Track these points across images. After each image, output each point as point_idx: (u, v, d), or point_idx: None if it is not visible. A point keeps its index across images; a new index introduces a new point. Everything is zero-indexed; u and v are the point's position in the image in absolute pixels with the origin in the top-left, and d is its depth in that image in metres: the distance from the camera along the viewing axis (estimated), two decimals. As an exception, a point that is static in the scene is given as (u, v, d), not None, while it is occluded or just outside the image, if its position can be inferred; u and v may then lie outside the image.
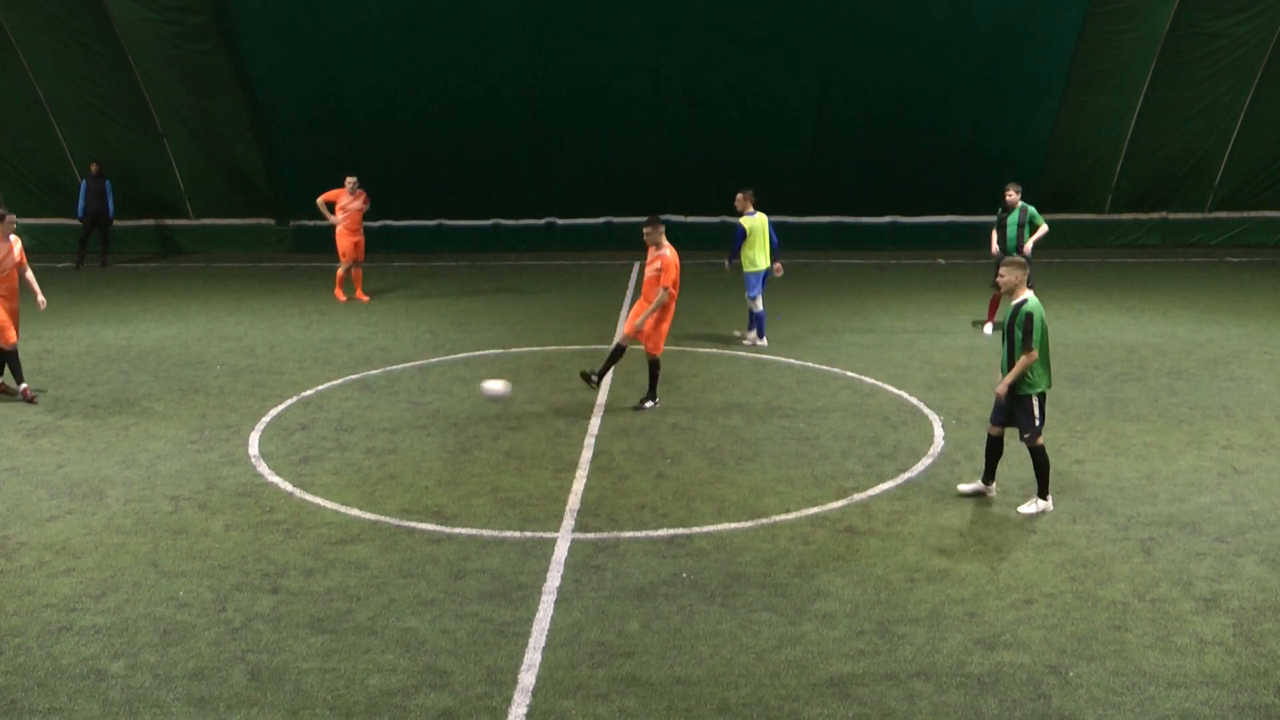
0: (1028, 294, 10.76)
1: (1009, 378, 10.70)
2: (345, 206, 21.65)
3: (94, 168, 26.02)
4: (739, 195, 18.05)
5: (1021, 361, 10.61)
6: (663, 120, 26.55)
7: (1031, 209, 18.47)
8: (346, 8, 25.07)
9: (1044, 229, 18.50)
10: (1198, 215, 27.66)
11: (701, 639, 8.43)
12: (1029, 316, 10.58)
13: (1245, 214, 27.63)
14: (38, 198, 27.77)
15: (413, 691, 7.72)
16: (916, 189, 27.02)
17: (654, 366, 14.47)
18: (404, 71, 25.74)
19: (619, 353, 14.51)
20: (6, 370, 15.09)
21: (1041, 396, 10.82)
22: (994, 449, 11.16)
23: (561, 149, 26.90)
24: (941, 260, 25.67)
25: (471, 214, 27.87)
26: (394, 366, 16.62)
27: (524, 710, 7.49)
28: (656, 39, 25.44)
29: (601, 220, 27.54)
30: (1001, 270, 10.99)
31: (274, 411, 14.39)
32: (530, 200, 27.63)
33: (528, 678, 7.88)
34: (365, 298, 21.95)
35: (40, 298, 15.34)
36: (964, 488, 11.37)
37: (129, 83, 25.88)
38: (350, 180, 21.75)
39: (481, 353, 17.49)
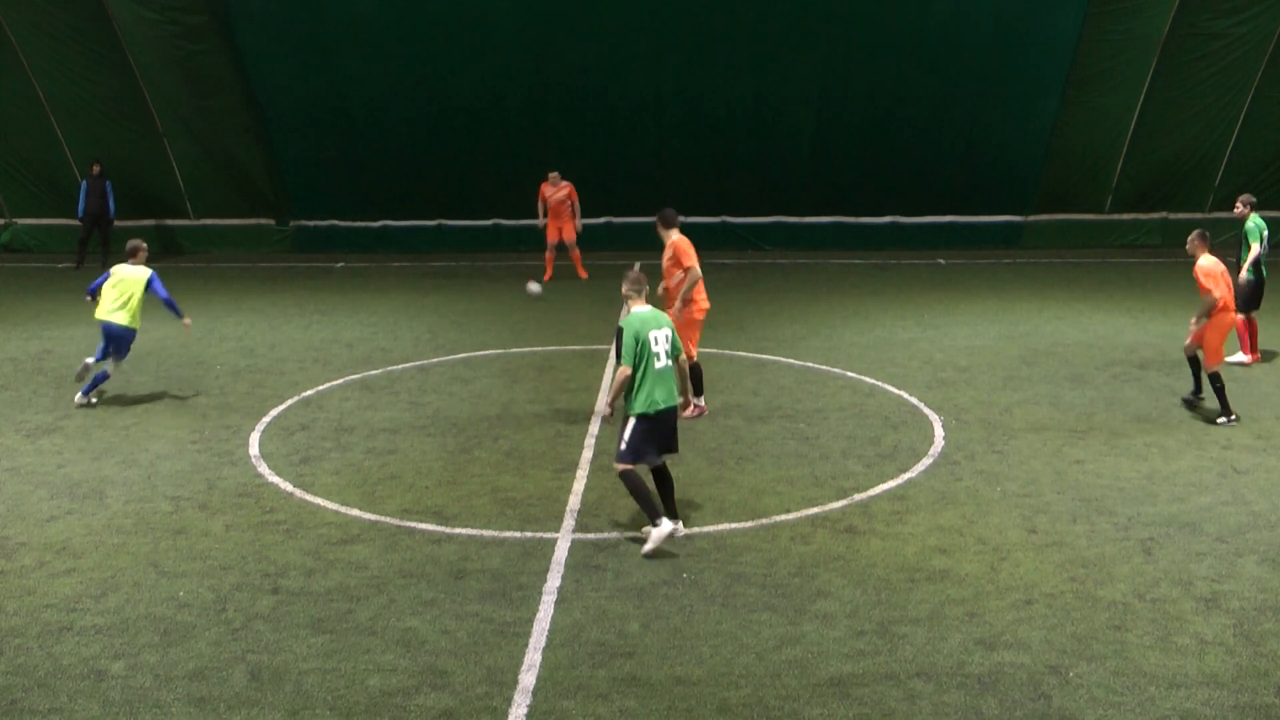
0: (633, 309, 10.23)
1: (609, 395, 10.01)
2: (548, 197, 23.67)
3: (95, 168, 26.00)
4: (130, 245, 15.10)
5: (616, 376, 10.07)
6: (663, 120, 26.52)
7: (1249, 223, 16.63)
8: (346, 8, 25.03)
9: (1255, 249, 16.42)
10: (1198, 215, 27.63)
11: (702, 639, 8.43)
12: (619, 331, 10.05)
13: (1244, 214, 27.59)
14: (38, 198, 27.74)
15: (413, 691, 7.72)
16: (916, 189, 27.00)
17: None
18: (404, 71, 25.71)
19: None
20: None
21: (640, 419, 9.99)
22: (658, 479, 10.27)
23: (562, 149, 26.86)
24: (941, 260, 25.65)
25: (472, 214, 27.85)
26: (394, 367, 16.62)
27: (524, 710, 7.50)
28: (657, 39, 25.41)
29: (602, 220, 27.53)
30: (625, 287, 10.38)
31: (274, 412, 14.39)
32: (530, 200, 27.59)
33: (528, 678, 7.89)
34: (584, 274, 23.94)
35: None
36: (648, 549, 9.94)
37: (129, 83, 25.85)
38: (552, 175, 23.75)
39: (482, 353, 17.49)
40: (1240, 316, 16.03)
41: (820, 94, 25.92)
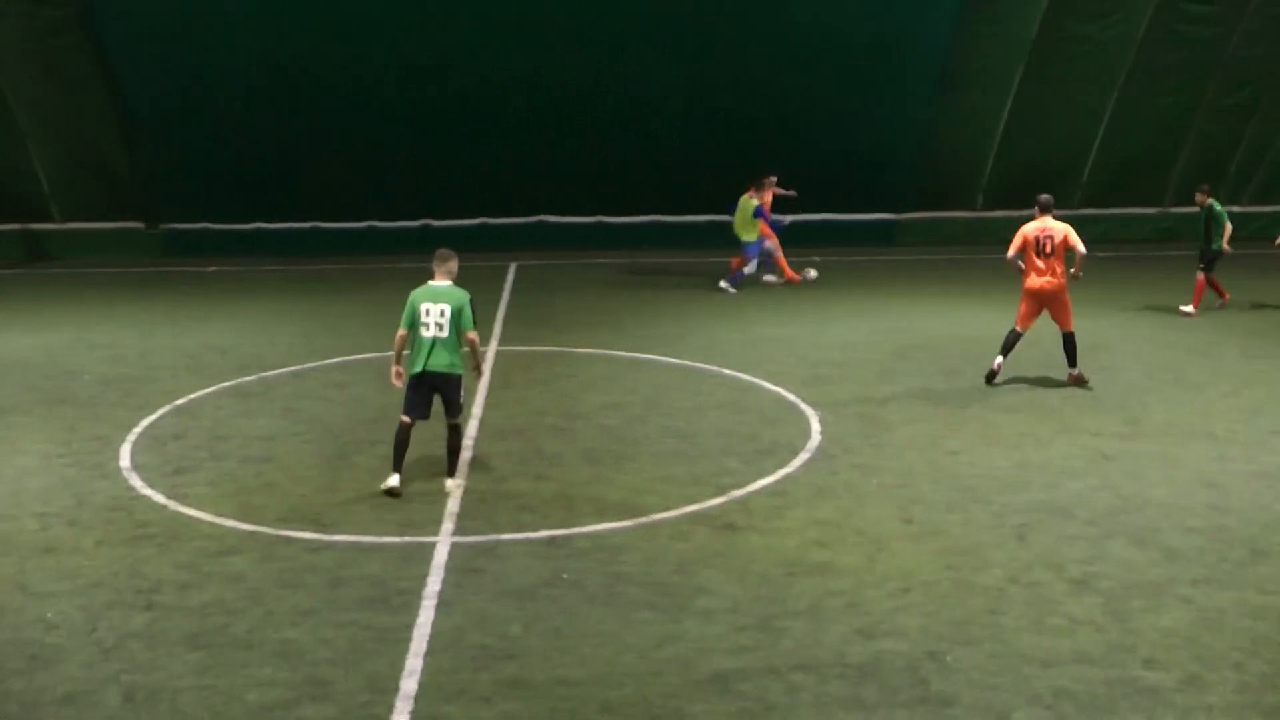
0: (430, 281, 11.40)
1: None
2: (767, 200, 23.38)
3: (-46, 172, 25.12)
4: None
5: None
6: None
7: (1216, 206, 20.03)
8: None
9: (1229, 227, 19.97)
10: (1067, 211, 28.25)
11: (583, 639, 8.42)
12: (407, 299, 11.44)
13: (1109, 210, 28.46)
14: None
15: (293, 704, 7.58)
16: (789, 188, 27.22)
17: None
18: (275, 67, 25.00)
19: None
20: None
21: (410, 378, 11.31)
22: (402, 439, 11.48)
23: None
24: (817, 260, 25.94)
25: (347, 216, 27.39)
26: (269, 372, 16.32)
27: (406, 717, 7.42)
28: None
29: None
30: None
31: (146, 421, 14.03)
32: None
33: (409, 684, 7.80)
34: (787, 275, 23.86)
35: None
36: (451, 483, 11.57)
37: (-15, 78, 24.96)
38: (772, 179, 23.38)
39: (357, 356, 17.24)
40: (1201, 276, 20.01)
41: (684, 88, 25.98)
